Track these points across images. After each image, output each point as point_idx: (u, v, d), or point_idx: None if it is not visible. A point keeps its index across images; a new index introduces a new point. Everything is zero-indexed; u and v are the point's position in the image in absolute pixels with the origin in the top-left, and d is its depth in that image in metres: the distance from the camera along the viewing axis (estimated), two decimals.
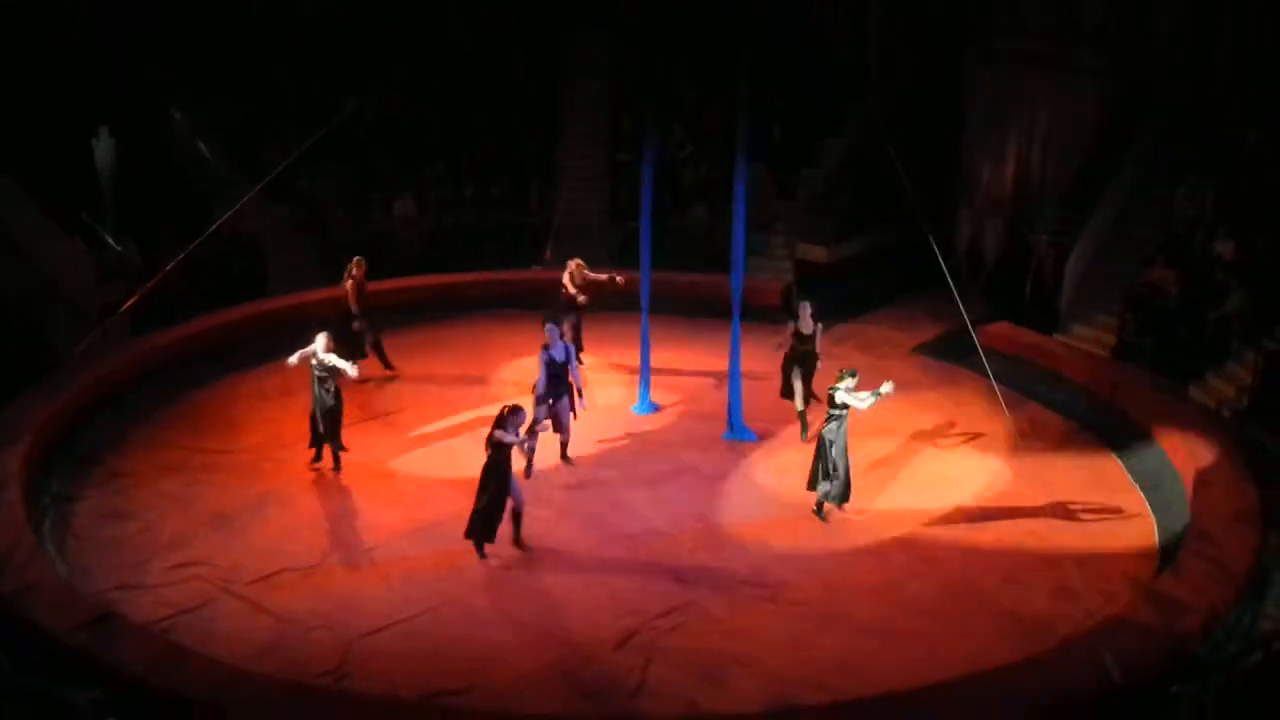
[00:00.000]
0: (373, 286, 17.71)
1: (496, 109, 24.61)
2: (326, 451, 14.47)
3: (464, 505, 13.54)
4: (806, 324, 15.59)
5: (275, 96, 23.48)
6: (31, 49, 20.81)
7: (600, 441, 15.41)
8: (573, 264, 17.82)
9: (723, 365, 16.13)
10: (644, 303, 16.44)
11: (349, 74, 23.44)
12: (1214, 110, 19.60)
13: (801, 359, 15.62)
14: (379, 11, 24.90)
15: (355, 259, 17.40)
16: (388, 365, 17.73)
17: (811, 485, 13.56)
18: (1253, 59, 19.54)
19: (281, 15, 24.71)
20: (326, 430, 14.32)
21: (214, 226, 16.39)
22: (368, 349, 17.39)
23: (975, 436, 15.80)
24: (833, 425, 13.23)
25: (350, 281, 17.28)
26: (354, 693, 10.03)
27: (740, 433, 15.58)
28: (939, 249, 14.99)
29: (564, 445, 14.71)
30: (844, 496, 13.41)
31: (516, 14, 25.41)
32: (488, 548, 12.42)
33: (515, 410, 12.29)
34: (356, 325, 17.29)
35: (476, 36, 25.47)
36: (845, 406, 13.14)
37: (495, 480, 12.22)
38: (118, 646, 10.04)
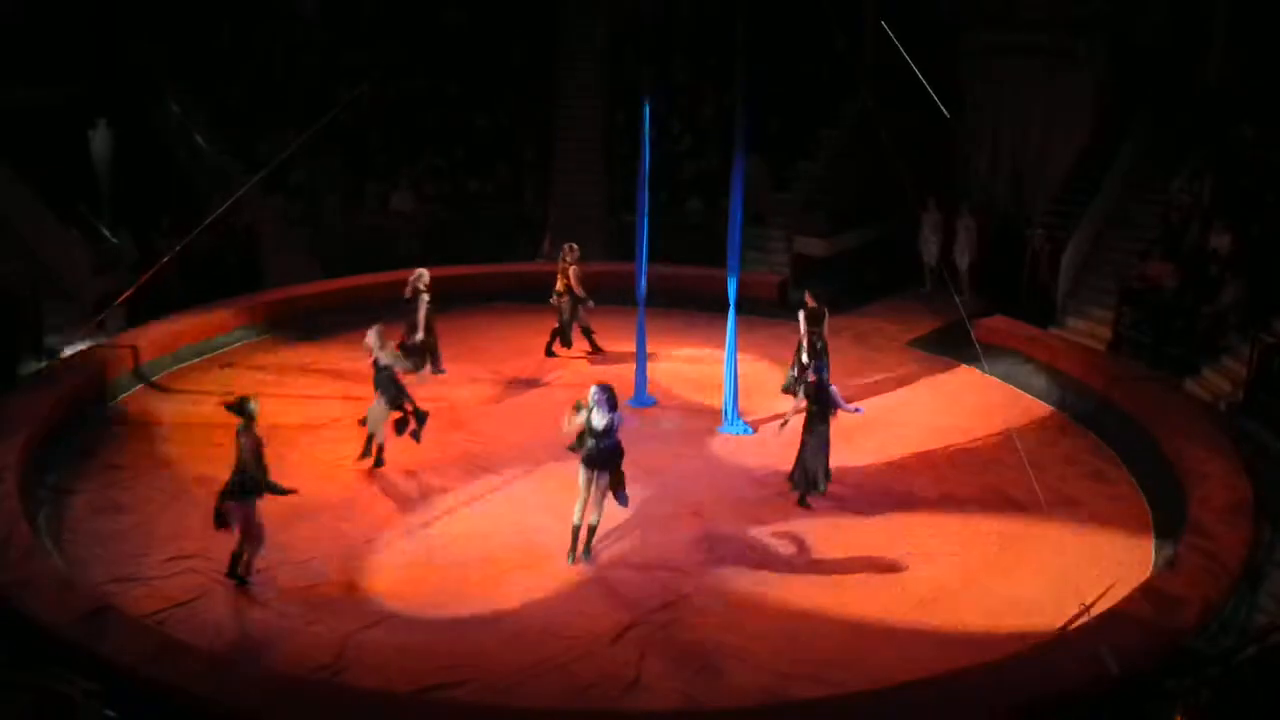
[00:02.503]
0: (367, 280, 17.69)
1: (492, 103, 24.61)
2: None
3: (461, 497, 13.59)
4: (600, 415, 11.86)
5: (272, 90, 23.46)
6: (30, 39, 20.80)
7: None
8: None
9: (718, 359, 16.12)
10: (640, 296, 16.43)
11: (344, 67, 23.45)
12: (1209, 103, 19.61)
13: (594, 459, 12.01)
14: (376, 8, 24.95)
15: (569, 245, 17.83)
16: (596, 349, 18.39)
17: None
18: (1247, 52, 19.54)
19: (278, 9, 24.71)
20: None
21: (210, 219, 16.37)
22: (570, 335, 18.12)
23: (970, 430, 15.81)
24: None
25: (576, 268, 17.68)
26: (349, 687, 10.03)
27: (735, 426, 15.57)
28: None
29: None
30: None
31: (511, 7, 25.42)
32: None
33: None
34: (588, 307, 17.84)
35: (472, 30, 25.47)
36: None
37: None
38: (113, 639, 10.02)
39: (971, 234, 20.43)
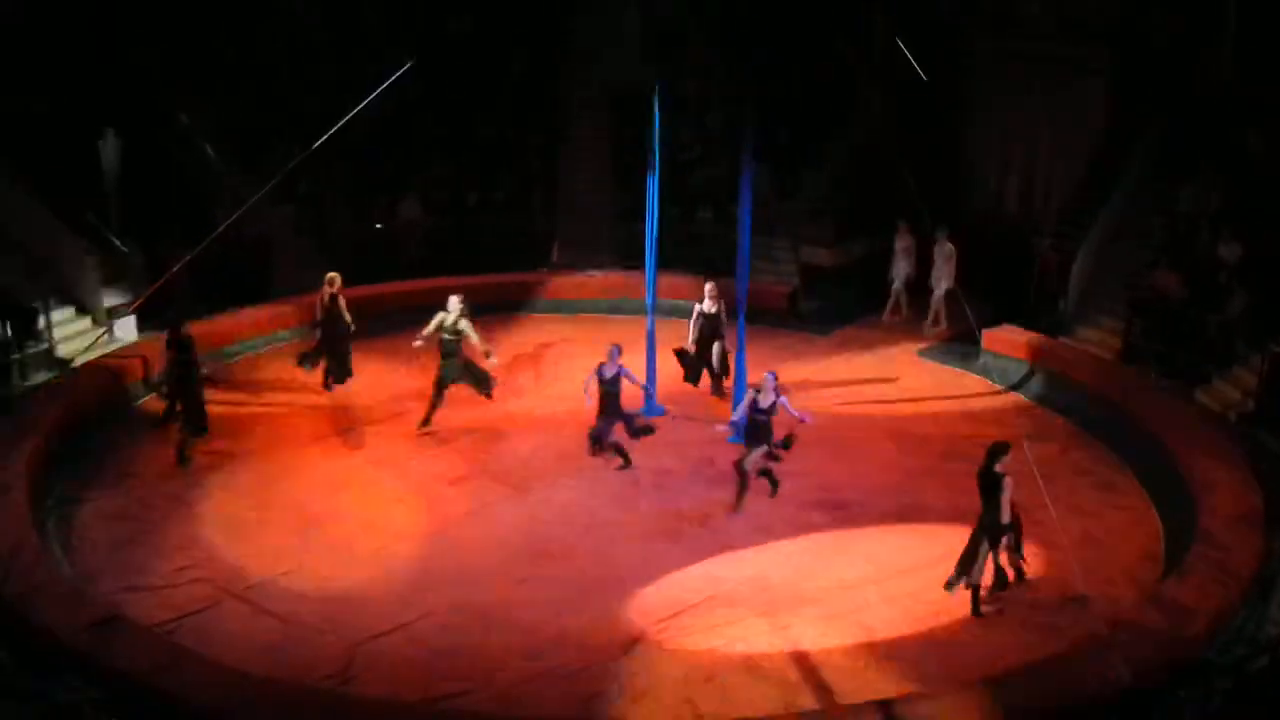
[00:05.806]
0: (376, 290, 17.63)
1: (499, 112, 24.64)
2: None
3: (470, 507, 13.61)
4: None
5: (279, 100, 23.50)
6: (37, 51, 20.85)
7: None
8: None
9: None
10: (650, 305, 16.44)
11: (350, 78, 23.45)
12: (1217, 110, 19.56)
13: None
14: (379, 16, 24.97)
15: (331, 275, 17.07)
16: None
17: None
18: (1256, 59, 19.47)
19: (283, 19, 24.74)
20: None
21: (220, 229, 16.38)
22: None
23: (979, 439, 15.74)
24: None
25: (342, 297, 17.28)
26: (357, 696, 10.04)
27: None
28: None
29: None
30: None
31: (518, 15, 25.45)
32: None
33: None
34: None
35: (478, 39, 25.49)
36: None
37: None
38: (122, 648, 10.05)
39: (950, 261, 19.96)
